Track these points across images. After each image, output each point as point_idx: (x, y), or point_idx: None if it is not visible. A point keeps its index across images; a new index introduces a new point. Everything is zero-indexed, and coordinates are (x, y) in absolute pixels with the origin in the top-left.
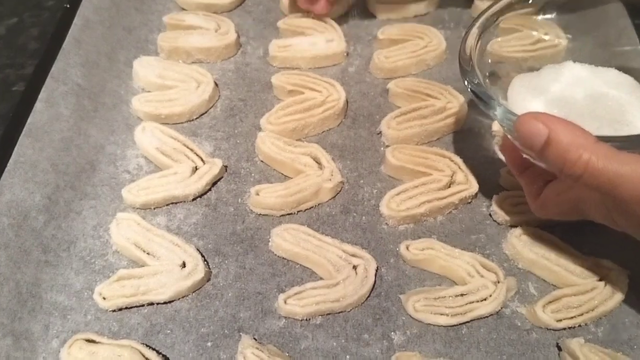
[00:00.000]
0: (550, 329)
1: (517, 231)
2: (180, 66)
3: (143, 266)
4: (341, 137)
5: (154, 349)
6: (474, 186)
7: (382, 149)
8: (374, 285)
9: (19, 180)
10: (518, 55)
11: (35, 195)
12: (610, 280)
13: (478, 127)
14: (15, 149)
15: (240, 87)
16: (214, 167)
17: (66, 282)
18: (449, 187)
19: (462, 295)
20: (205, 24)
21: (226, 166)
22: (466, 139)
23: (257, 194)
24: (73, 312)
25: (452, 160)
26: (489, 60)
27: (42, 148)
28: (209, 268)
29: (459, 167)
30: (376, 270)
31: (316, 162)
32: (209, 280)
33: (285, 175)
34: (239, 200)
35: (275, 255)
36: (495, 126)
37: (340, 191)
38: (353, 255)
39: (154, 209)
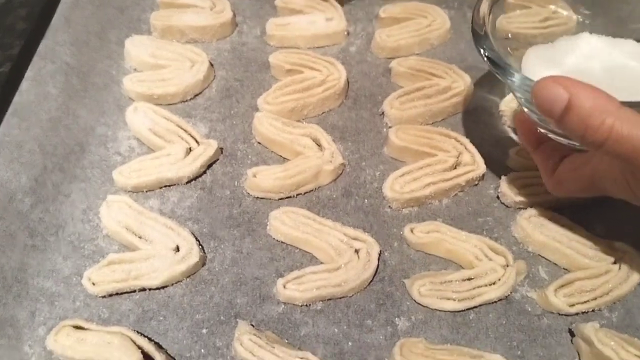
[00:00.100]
0: (562, 314)
1: (527, 213)
2: (174, 45)
3: (135, 250)
4: (342, 118)
5: (145, 336)
6: (481, 167)
7: (384, 129)
8: (377, 270)
9: (3, 161)
10: (528, 32)
11: (21, 177)
12: (625, 263)
13: (484, 107)
14: (0, 128)
15: (237, 67)
16: (209, 148)
17: (54, 267)
18: (455, 168)
19: (469, 279)
20: (199, 2)
21: (222, 148)
22: (472, 119)
23: (254, 176)
24: (61, 299)
25: (458, 141)
26: (499, 36)
27: (28, 128)
28: (204, 252)
29: (465, 148)
30: (379, 254)
31: (316, 143)
32: (204, 265)
33: (284, 158)
34: (236, 183)
35: (274, 239)
36: (503, 105)
37: (341, 174)
38: (355, 239)
39: (147, 191)
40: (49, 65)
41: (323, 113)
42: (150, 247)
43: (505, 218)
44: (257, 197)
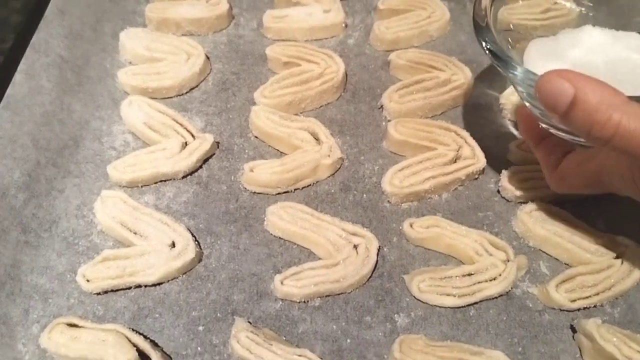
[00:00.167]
0: (563, 310)
1: (528, 207)
2: (169, 38)
3: (130, 246)
4: (340, 111)
5: (141, 334)
6: (481, 161)
7: (383, 123)
8: (375, 265)
9: None
10: (528, 23)
11: (15, 172)
12: (627, 257)
13: (485, 100)
14: None
15: (233, 60)
16: (205, 142)
17: (47, 264)
18: (455, 162)
19: (469, 274)
20: None
21: (218, 142)
22: (472, 112)
23: (251, 171)
24: (55, 296)
25: (458, 134)
26: (500, 28)
27: (21, 122)
28: (200, 248)
29: (465, 141)
30: (378, 250)
31: (314, 137)
32: (200, 261)
33: (281, 152)
34: (232, 177)
35: (271, 234)
36: (503, 99)
37: (339, 168)
38: (354, 234)
39: (142, 187)
40: (43, 59)
41: (321, 106)
42: (145, 243)
43: (506, 212)
44: (254, 192)
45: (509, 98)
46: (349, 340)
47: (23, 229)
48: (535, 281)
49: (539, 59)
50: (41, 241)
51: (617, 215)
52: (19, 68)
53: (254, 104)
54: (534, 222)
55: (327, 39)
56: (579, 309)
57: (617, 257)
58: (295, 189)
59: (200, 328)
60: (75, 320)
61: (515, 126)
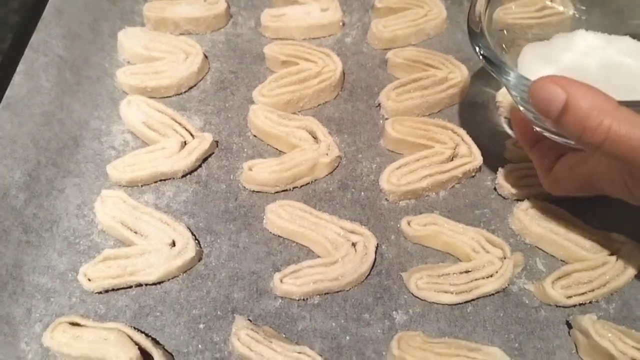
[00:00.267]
0: (559, 306)
1: (524, 205)
2: (167, 37)
3: (130, 245)
4: (338, 110)
5: (142, 332)
6: (477, 159)
7: (381, 121)
8: (374, 263)
9: None
10: (523, 22)
11: (15, 172)
12: (622, 254)
13: (481, 98)
14: None
15: (231, 59)
16: (204, 141)
17: (49, 264)
18: (452, 160)
19: (467, 272)
20: None
21: (217, 141)
22: (469, 110)
23: (250, 170)
24: (57, 295)
25: (455, 132)
26: (496, 28)
27: (21, 122)
28: (200, 247)
29: (462, 139)
30: (376, 248)
31: (312, 136)
32: (200, 259)
33: (280, 150)
34: (231, 176)
35: (270, 233)
36: (500, 97)
37: (337, 166)
38: (352, 232)
39: (141, 186)
40: (42, 59)
41: (319, 105)
42: (145, 242)
43: (503, 210)
44: (253, 191)
45: (506, 96)
46: (348, 338)
47: (24, 229)
48: (532, 278)
49: (533, 63)
50: (42, 241)
51: (612, 213)
52: (18, 68)
53: (253, 102)
54: (530, 220)
55: (325, 38)
56: (574, 305)
57: (612, 254)
58: (293, 188)
59: (201, 326)
60: (77, 319)
61: (511, 127)
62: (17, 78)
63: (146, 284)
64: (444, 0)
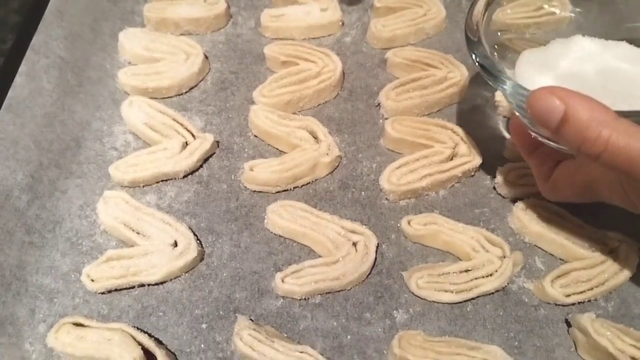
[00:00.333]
0: (558, 305)
1: (523, 204)
2: (168, 38)
3: (133, 246)
4: (338, 109)
5: (145, 332)
6: (477, 158)
7: (381, 121)
8: (374, 263)
9: None
10: (521, 21)
11: (18, 174)
12: (620, 253)
13: (480, 98)
14: None
15: (232, 59)
16: (205, 142)
17: (52, 264)
18: (452, 159)
19: (466, 271)
20: None
21: (218, 142)
22: (468, 110)
23: (251, 170)
24: (60, 295)
25: (455, 132)
26: (494, 30)
27: (23, 124)
28: (202, 247)
29: (462, 139)
30: (377, 247)
31: (312, 136)
32: (202, 259)
33: (280, 150)
34: (232, 176)
35: (271, 233)
36: (498, 96)
37: (337, 166)
38: (352, 232)
39: (143, 186)
40: (43, 60)
41: (319, 105)
42: (148, 242)
43: (502, 209)
44: (254, 191)
45: None
46: (349, 337)
47: (27, 230)
48: (531, 276)
49: (530, 69)
50: (45, 242)
51: (610, 212)
52: (19, 70)
53: (253, 103)
54: (529, 219)
55: (325, 37)
56: (573, 304)
57: (610, 253)
58: (294, 187)
59: (204, 326)
60: (81, 320)
61: (507, 131)
62: (18, 80)
63: (149, 284)
64: (442, 0)
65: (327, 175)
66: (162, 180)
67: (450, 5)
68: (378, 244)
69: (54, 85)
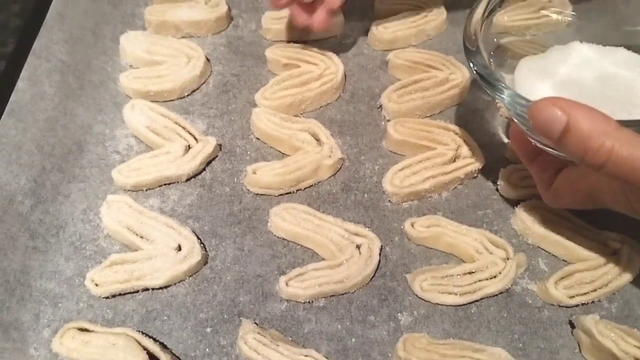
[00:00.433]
0: (562, 306)
1: (526, 205)
2: (169, 41)
3: (136, 250)
4: (340, 112)
5: (150, 337)
6: (479, 160)
7: (383, 123)
8: (378, 265)
9: (2, 163)
10: (520, 23)
11: (20, 178)
12: (623, 254)
13: (482, 99)
14: None
15: (233, 62)
16: (207, 145)
17: (56, 269)
18: (454, 161)
19: (470, 273)
20: None
21: (220, 145)
22: (470, 111)
23: (254, 173)
24: (64, 300)
25: (457, 134)
26: (494, 34)
27: (25, 128)
28: (206, 251)
29: (464, 141)
30: (380, 250)
31: (315, 138)
32: (206, 263)
33: (283, 153)
34: (235, 179)
35: (275, 236)
36: None
37: (340, 168)
38: (356, 234)
39: (146, 190)
40: (44, 64)
41: (321, 107)
42: (151, 246)
43: (505, 210)
44: (257, 194)
45: None
46: (353, 340)
47: (31, 235)
48: (535, 278)
49: (529, 77)
50: (49, 246)
51: (613, 213)
52: (21, 75)
53: (255, 105)
54: (532, 220)
55: (326, 39)
56: (577, 305)
57: (613, 254)
58: (297, 190)
59: (208, 330)
60: (86, 325)
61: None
62: (20, 84)
63: (153, 289)
64: (443, 1)
65: (330, 177)
66: (165, 184)
67: (451, 6)
68: (381, 246)
69: (56, 89)
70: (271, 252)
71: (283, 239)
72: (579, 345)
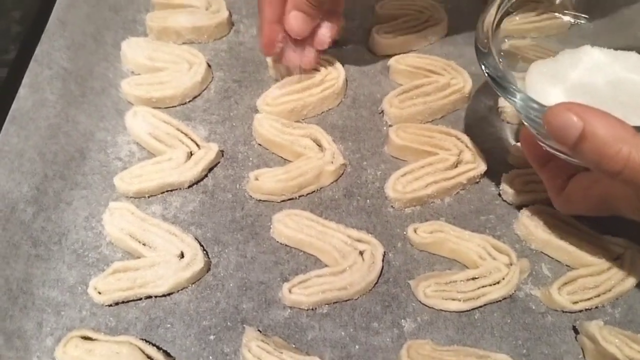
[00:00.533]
0: (566, 312)
1: (529, 211)
2: (170, 47)
3: (139, 258)
4: (341, 117)
5: (153, 345)
6: (482, 165)
7: (384, 128)
8: (381, 271)
9: (4, 171)
10: (530, 26)
11: (23, 186)
12: (627, 259)
13: (484, 104)
14: None
15: (235, 68)
16: (209, 152)
17: (59, 277)
18: (456, 166)
19: (473, 279)
20: (195, 1)
21: (222, 151)
22: (472, 116)
23: (257, 179)
24: (67, 308)
25: (459, 139)
26: (501, 37)
27: (27, 136)
28: (209, 258)
29: (466, 146)
30: (383, 256)
31: (317, 144)
32: (208, 270)
33: (285, 159)
34: (237, 186)
35: (278, 242)
36: (502, 102)
37: (342, 174)
38: (359, 241)
39: (149, 197)
40: (46, 71)
41: (322, 113)
42: (154, 254)
43: (508, 215)
44: (260, 200)
45: None
46: (357, 347)
47: (33, 243)
48: (538, 284)
49: (540, 81)
50: (51, 254)
51: (615, 218)
52: (23, 82)
53: (257, 111)
54: (535, 225)
55: None
56: (580, 311)
57: (616, 259)
58: (299, 196)
59: (212, 337)
60: (89, 333)
61: (518, 138)
62: (22, 91)
63: (156, 296)
64: (444, 4)
65: (332, 183)
66: (167, 191)
67: (451, 10)
68: (384, 252)
69: (58, 96)
70: (274, 258)
71: (286, 245)
72: (582, 351)
